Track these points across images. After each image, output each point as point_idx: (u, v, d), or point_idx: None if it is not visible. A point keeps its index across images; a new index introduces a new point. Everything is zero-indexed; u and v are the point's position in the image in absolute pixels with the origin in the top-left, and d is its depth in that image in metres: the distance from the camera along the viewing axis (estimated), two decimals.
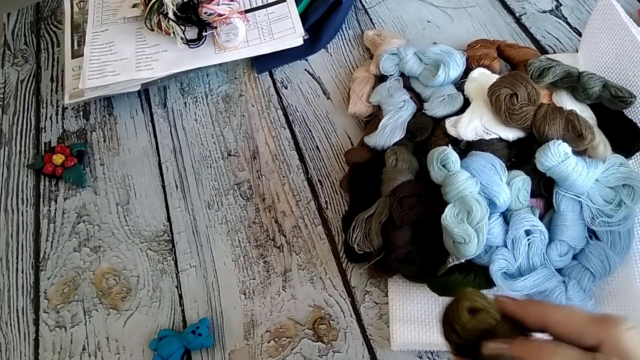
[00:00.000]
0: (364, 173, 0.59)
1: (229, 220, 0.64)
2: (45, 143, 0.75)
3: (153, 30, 0.75)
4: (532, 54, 0.63)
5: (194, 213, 0.65)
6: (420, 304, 0.54)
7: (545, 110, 0.53)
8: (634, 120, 0.55)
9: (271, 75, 0.74)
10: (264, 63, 0.75)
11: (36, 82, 0.82)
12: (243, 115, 0.72)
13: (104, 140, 0.74)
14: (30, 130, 0.77)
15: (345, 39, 0.75)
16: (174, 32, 0.73)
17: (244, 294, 0.59)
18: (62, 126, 0.76)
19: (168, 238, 0.64)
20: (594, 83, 0.55)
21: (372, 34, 0.72)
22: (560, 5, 0.71)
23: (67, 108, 0.78)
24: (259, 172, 0.67)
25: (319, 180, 0.64)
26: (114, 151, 0.72)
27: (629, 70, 0.57)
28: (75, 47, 0.79)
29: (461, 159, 0.52)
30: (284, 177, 0.66)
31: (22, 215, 0.70)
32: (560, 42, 0.68)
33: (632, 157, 0.55)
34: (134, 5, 0.78)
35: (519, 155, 0.56)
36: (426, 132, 0.60)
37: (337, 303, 0.57)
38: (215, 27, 0.73)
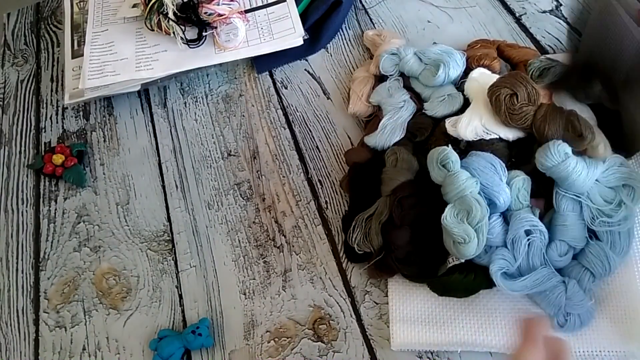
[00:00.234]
0: (364, 173, 0.59)
1: (229, 220, 0.64)
2: (45, 143, 0.75)
3: (153, 30, 0.75)
4: (532, 54, 0.63)
5: (194, 213, 0.65)
6: (420, 304, 0.53)
7: (545, 110, 0.53)
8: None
9: (271, 75, 0.74)
10: (264, 63, 0.75)
11: (36, 82, 0.82)
12: (243, 115, 0.72)
13: (104, 140, 0.74)
14: (30, 130, 0.77)
15: (345, 39, 0.75)
16: (174, 32, 0.73)
17: (244, 294, 0.59)
18: (62, 126, 0.76)
19: (168, 238, 0.64)
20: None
21: (372, 34, 0.72)
22: (560, 5, 0.71)
23: (67, 108, 0.78)
24: (259, 172, 0.67)
25: (319, 180, 0.64)
26: (114, 151, 0.72)
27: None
28: (75, 47, 0.79)
29: (461, 159, 0.52)
30: (284, 177, 0.66)
31: (22, 215, 0.70)
32: (560, 42, 0.68)
33: (632, 157, 0.55)
34: (134, 5, 0.78)
35: (519, 155, 0.56)
36: (426, 132, 0.60)
37: (337, 303, 0.57)
38: (215, 27, 0.73)
